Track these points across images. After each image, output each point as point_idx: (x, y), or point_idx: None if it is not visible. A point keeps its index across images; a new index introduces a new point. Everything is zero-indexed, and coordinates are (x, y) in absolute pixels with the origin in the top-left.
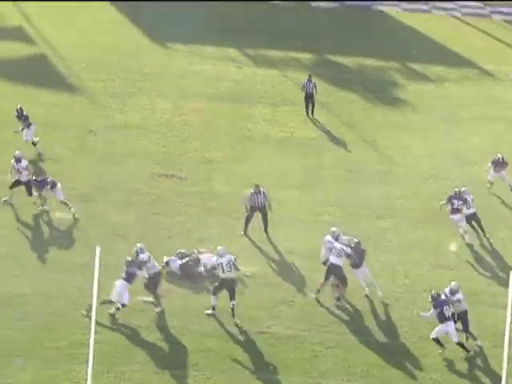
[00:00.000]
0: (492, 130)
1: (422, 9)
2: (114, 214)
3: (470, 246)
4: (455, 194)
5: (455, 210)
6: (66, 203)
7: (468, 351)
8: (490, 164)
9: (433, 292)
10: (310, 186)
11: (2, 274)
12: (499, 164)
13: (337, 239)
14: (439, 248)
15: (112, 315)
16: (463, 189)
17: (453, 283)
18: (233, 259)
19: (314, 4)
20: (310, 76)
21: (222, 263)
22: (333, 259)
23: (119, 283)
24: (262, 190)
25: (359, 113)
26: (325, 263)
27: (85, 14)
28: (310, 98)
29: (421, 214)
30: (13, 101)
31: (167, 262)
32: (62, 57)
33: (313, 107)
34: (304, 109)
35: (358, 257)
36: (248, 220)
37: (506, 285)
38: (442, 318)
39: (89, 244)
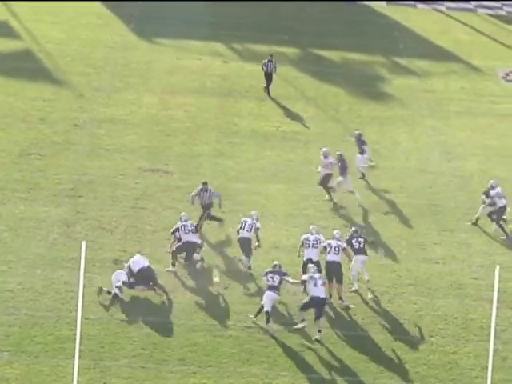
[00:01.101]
0: (478, 124)
1: (407, 3)
2: (99, 209)
3: (455, 240)
4: (340, 158)
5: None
6: None
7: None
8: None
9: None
10: (296, 180)
11: None
12: (361, 141)
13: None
14: (425, 242)
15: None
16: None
17: (310, 265)
18: (257, 225)
19: None
20: (271, 56)
21: (246, 222)
22: (330, 257)
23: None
24: (209, 188)
25: (344, 107)
26: (307, 262)
27: (70, 8)
28: (268, 78)
29: (407, 208)
30: None
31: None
32: (47, 51)
33: (268, 85)
34: (266, 89)
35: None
36: (201, 217)
37: (491, 279)
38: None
39: (75, 239)
